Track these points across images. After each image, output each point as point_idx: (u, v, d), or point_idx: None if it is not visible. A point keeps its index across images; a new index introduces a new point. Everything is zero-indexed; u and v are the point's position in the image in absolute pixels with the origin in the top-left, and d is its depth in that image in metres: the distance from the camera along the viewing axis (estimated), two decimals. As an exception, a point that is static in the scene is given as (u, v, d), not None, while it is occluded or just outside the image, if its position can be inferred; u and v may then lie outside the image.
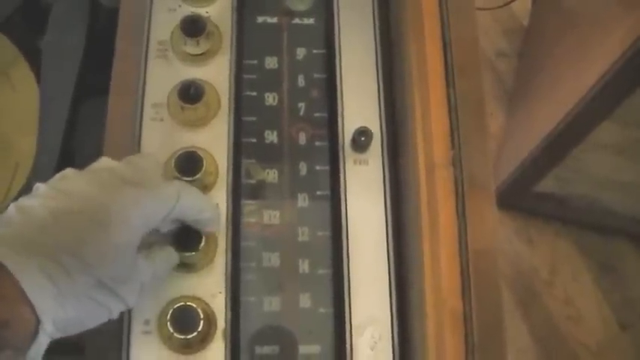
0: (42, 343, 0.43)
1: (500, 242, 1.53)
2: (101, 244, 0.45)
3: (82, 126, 0.73)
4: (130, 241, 0.47)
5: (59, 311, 0.43)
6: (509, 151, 1.50)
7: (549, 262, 1.54)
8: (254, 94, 0.63)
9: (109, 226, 0.46)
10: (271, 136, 0.62)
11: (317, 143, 0.62)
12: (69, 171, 0.49)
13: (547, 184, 1.43)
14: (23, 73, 0.77)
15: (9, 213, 0.45)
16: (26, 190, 0.69)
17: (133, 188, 0.48)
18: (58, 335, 0.44)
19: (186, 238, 0.54)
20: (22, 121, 0.75)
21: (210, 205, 0.56)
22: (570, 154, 1.29)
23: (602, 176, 1.38)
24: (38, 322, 0.42)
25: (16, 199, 0.47)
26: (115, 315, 0.48)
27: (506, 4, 1.60)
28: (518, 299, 1.50)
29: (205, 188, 0.58)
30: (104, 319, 0.47)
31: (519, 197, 1.50)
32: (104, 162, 0.52)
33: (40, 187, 0.48)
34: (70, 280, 0.43)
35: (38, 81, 0.75)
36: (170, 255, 0.54)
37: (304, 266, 0.58)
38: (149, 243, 0.53)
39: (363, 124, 0.60)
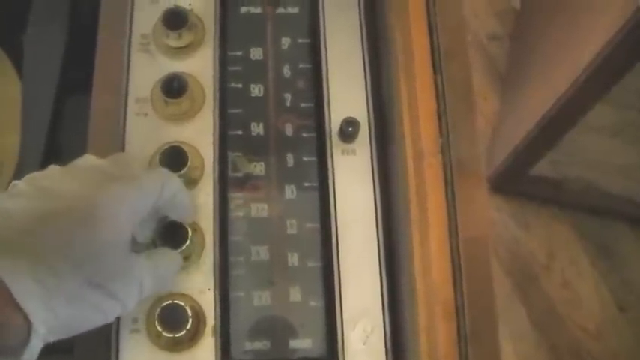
0: (35, 347, 0.42)
1: (496, 227, 1.52)
2: (90, 244, 0.44)
3: (67, 123, 0.72)
4: (119, 237, 0.46)
5: (51, 315, 0.42)
6: (503, 135, 1.50)
7: (546, 246, 1.54)
8: (239, 85, 0.62)
9: (96, 225, 0.44)
10: (257, 128, 0.61)
11: (304, 134, 0.61)
12: (52, 168, 0.48)
13: (542, 168, 1.42)
14: (5, 69, 0.76)
15: None
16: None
17: (117, 184, 0.47)
18: (51, 339, 0.43)
19: (172, 234, 0.53)
20: (5, 119, 0.74)
21: (188, 195, 0.55)
22: (565, 138, 1.28)
23: (597, 159, 1.38)
24: (30, 326, 0.41)
25: (0, 198, 0.46)
26: (111, 318, 0.47)
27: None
28: (516, 284, 1.50)
29: (191, 183, 0.57)
30: (99, 322, 0.46)
31: (515, 181, 1.50)
32: (87, 160, 0.51)
33: (18, 184, 0.46)
34: (60, 282, 0.42)
35: (21, 77, 0.74)
36: (173, 258, 0.53)
37: (293, 259, 0.57)
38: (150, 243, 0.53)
39: (350, 114, 0.59)
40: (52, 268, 0.42)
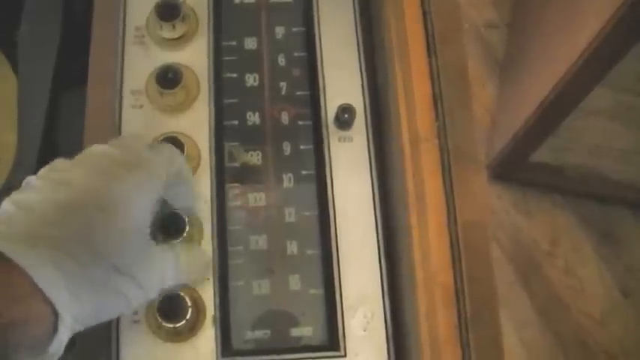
0: (63, 337, 0.42)
1: (498, 215, 1.52)
2: (109, 231, 0.44)
3: (63, 117, 0.72)
4: (137, 224, 0.47)
5: (77, 302, 0.42)
6: (502, 123, 1.49)
7: (549, 233, 1.53)
8: (234, 75, 0.62)
9: (113, 212, 0.45)
10: (253, 118, 0.61)
11: (300, 122, 0.61)
12: (59, 161, 0.48)
13: (542, 154, 1.42)
14: (1, 66, 0.76)
15: (6, 210, 0.44)
16: (8, 184, 0.69)
17: (130, 171, 0.47)
18: (78, 328, 0.43)
19: (170, 224, 0.53)
20: (1, 115, 0.74)
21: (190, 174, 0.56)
22: (564, 123, 1.28)
23: (597, 144, 1.38)
24: (56, 316, 0.41)
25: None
26: (135, 304, 0.47)
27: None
28: (519, 271, 1.50)
29: (188, 173, 0.57)
30: (123, 309, 0.46)
31: (515, 169, 1.49)
32: (94, 148, 0.50)
33: (32, 180, 0.46)
34: (83, 270, 0.42)
35: (17, 74, 0.74)
36: (199, 254, 0.53)
37: (292, 248, 0.57)
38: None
39: (345, 101, 0.59)
40: (74, 256, 0.42)
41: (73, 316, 0.42)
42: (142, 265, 0.46)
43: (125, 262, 0.45)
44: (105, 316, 0.46)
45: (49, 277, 0.41)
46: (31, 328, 0.40)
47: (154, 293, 0.48)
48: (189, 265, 0.52)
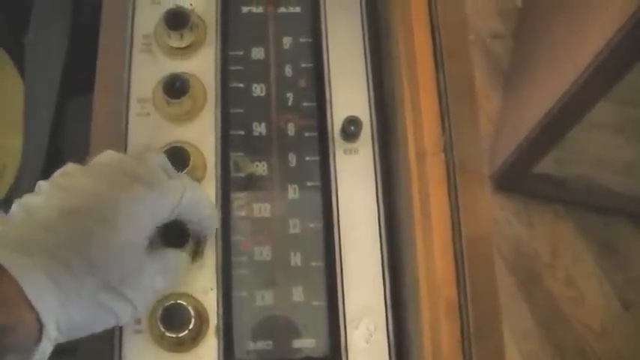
0: (45, 349, 0.42)
1: (499, 226, 1.52)
2: (108, 243, 0.44)
3: (69, 124, 0.72)
4: (137, 240, 0.46)
5: (63, 315, 0.42)
6: (506, 134, 1.49)
7: (550, 244, 1.53)
8: (241, 85, 0.62)
9: (116, 225, 0.44)
10: (259, 128, 0.61)
11: (306, 134, 0.61)
12: (70, 166, 0.48)
13: (546, 166, 1.42)
14: (8, 71, 0.76)
15: (13, 212, 0.44)
16: (14, 191, 0.69)
17: (140, 186, 0.47)
18: (62, 340, 0.43)
19: (173, 234, 0.53)
20: (7, 121, 0.74)
21: (211, 203, 0.55)
22: (568, 135, 1.27)
23: (600, 156, 1.38)
24: (41, 326, 0.41)
25: (4, 200, 0.46)
26: (123, 321, 0.46)
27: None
28: (520, 282, 1.50)
29: (194, 183, 0.57)
30: (111, 324, 0.46)
31: (518, 180, 1.49)
32: (109, 156, 0.49)
33: (42, 184, 0.46)
34: (75, 281, 0.42)
35: (23, 79, 0.74)
36: (181, 259, 0.52)
37: (296, 259, 0.57)
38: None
39: (352, 113, 0.59)
40: (68, 266, 0.42)
41: (58, 327, 0.42)
42: (134, 282, 0.46)
43: (117, 279, 0.44)
44: (91, 330, 0.45)
45: (38, 286, 0.40)
46: (14, 335, 0.40)
47: (142, 307, 0.47)
48: (175, 273, 0.51)
